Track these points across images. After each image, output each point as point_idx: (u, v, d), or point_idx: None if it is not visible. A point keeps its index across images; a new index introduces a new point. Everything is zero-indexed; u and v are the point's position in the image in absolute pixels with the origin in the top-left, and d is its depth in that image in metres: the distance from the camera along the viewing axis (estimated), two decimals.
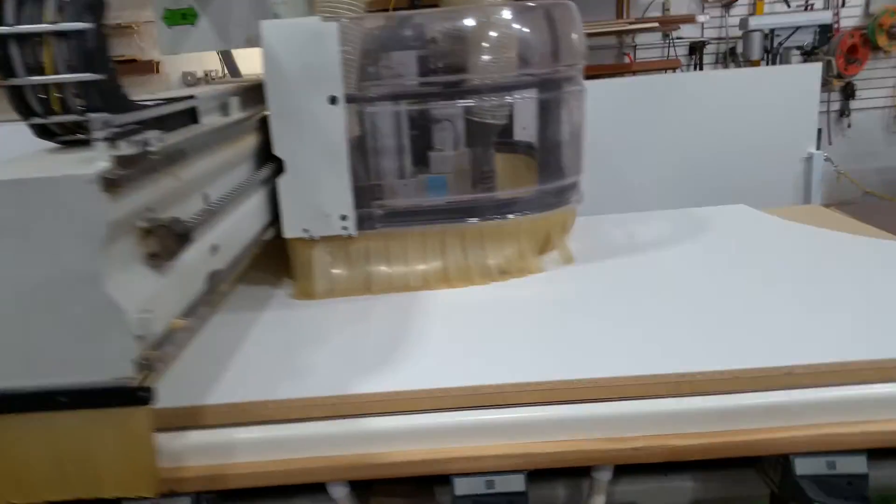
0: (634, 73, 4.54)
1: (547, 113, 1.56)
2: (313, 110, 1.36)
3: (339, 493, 1.09)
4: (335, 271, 1.47)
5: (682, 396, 1.05)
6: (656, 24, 4.47)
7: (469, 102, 1.47)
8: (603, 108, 3.51)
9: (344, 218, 1.43)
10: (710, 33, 5.01)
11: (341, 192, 1.41)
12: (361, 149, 1.47)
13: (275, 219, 1.46)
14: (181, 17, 1.57)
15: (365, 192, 1.47)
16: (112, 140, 0.83)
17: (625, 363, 1.09)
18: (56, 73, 0.85)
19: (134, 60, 4.55)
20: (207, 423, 1.05)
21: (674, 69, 4.66)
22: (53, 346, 0.84)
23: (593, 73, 4.38)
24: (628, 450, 1.01)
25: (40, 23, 0.83)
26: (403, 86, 1.46)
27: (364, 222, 1.46)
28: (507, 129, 1.58)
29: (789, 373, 1.04)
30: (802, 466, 1.01)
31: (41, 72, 0.85)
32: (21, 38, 0.85)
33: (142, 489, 0.92)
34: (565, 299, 1.41)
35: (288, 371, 1.16)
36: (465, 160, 1.52)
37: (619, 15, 4.73)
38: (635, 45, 4.74)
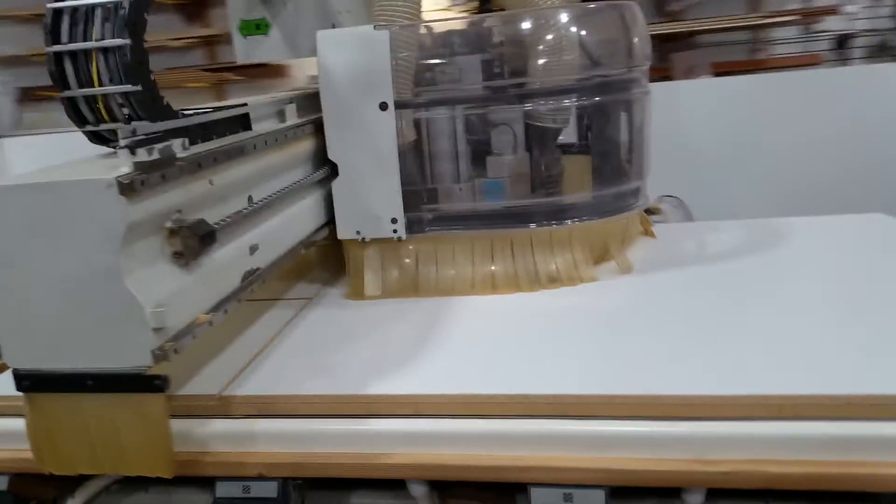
0: (769, 69, 4.28)
1: (605, 117, 1.54)
2: (365, 116, 1.40)
3: (419, 491, 1.10)
4: (385, 273, 1.50)
5: (783, 420, 0.98)
6: (796, 17, 4.18)
7: (526, 106, 1.47)
8: (733, 105, 3.36)
9: (394, 221, 1.47)
10: (858, 25, 4.63)
11: (392, 195, 1.45)
12: (415, 153, 1.48)
13: (331, 220, 1.51)
14: (255, 28, 1.67)
15: (416, 196, 1.48)
16: (132, 148, 0.92)
17: (720, 380, 1.03)
18: (101, 85, 0.95)
19: (266, 65, 4.79)
20: (297, 413, 1.09)
21: (814, 65, 4.34)
22: (82, 334, 0.94)
23: (723, 69, 4.17)
24: (718, 473, 0.96)
25: (89, 40, 0.94)
26: (459, 91, 1.47)
27: (414, 226, 1.49)
28: (574, 132, 1.58)
29: None
30: None
31: (91, 84, 0.95)
32: (73, 54, 0.96)
33: (160, 470, 1.01)
34: (656, 309, 1.35)
35: (372, 369, 1.18)
36: (524, 165, 1.50)
37: (755, 7, 4.46)
38: (771, 40, 4.46)
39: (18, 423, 1.06)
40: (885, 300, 1.29)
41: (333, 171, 1.47)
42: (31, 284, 0.93)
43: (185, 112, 1.15)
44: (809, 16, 4.28)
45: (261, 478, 1.07)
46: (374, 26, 1.41)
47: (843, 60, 4.57)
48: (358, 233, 1.48)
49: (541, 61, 1.44)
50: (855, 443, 0.96)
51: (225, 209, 1.16)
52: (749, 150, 3.38)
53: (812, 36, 4.39)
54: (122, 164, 0.93)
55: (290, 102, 1.49)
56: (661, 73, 4.26)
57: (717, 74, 4.02)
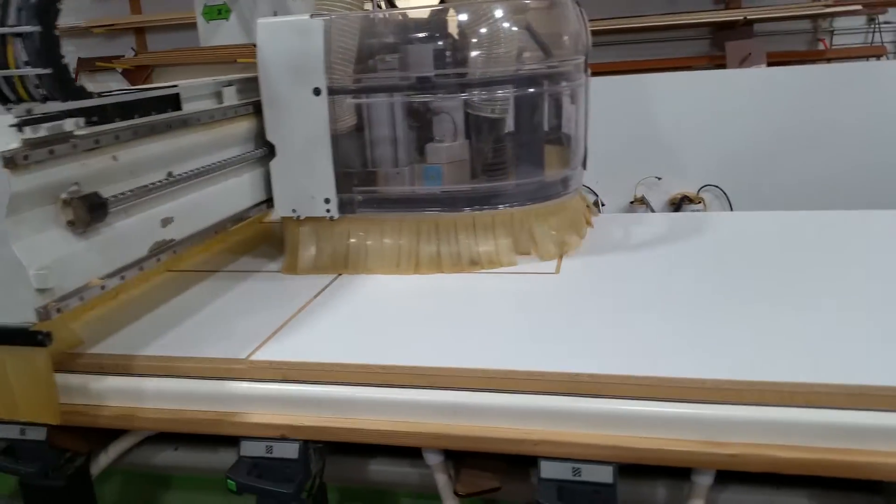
0: (829, 60, 4.16)
1: (533, 108, 1.57)
2: (299, 101, 1.46)
3: (434, 460, 1.14)
4: (318, 250, 1.57)
5: (794, 406, 0.98)
6: (859, 7, 4.04)
7: (462, 96, 1.51)
8: (786, 98, 3.29)
9: (327, 201, 1.52)
10: None
11: (325, 177, 1.51)
12: (351, 137, 1.53)
13: (271, 197, 1.59)
14: (217, 13, 1.76)
15: (349, 178, 1.53)
16: (20, 126, 1.02)
17: (733, 365, 1.04)
18: (16, 67, 1.04)
19: None
20: (322, 380, 1.14)
21: (877, 57, 4.20)
22: None
23: (780, 59, 4.08)
24: (724, 455, 0.97)
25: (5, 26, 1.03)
26: (397, 79, 1.51)
27: (346, 206, 1.54)
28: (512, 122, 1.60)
29: None
30: None
31: (6, 67, 1.05)
32: None
33: (47, 417, 1.13)
34: (674, 294, 1.35)
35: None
36: (462, 152, 1.55)
37: None
38: (833, 31, 4.32)
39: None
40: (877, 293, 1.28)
41: (272, 151, 1.53)
42: None
43: (104, 94, 1.26)
44: (873, 6, 4.14)
45: (283, 439, 1.12)
46: (311, 15, 1.46)
47: None
48: (294, 211, 1.55)
49: (475, 53, 1.48)
50: (865, 432, 0.96)
51: (135, 183, 1.24)
52: (798, 142, 3.30)
53: (875, 27, 4.24)
54: (13, 141, 1.03)
55: (230, 85, 1.58)
56: (715, 61, 4.18)
57: (773, 64, 3.92)
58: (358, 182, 1.55)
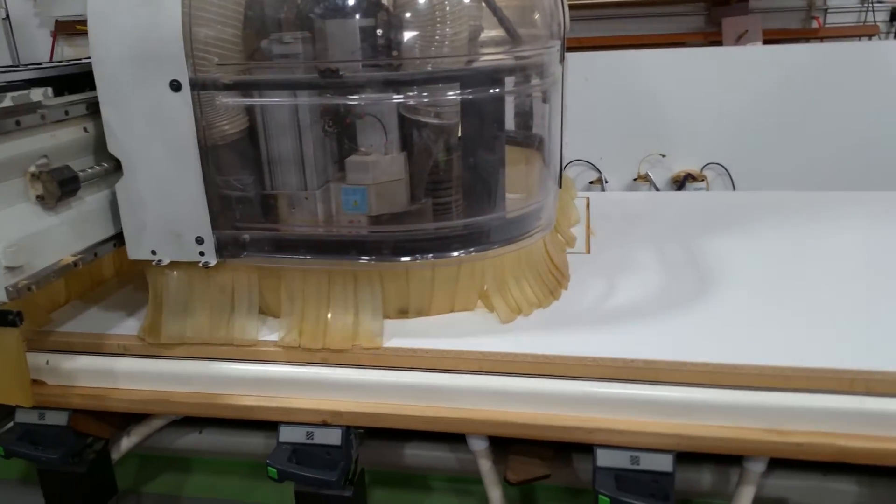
0: (822, 39, 4.15)
1: (492, 116, 1.12)
2: (150, 99, 1.04)
3: (479, 446, 1.11)
4: (191, 310, 1.15)
5: (856, 395, 0.97)
6: None
7: (395, 98, 1.07)
8: (782, 75, 3.28)
9: (199, 241, 1.10)
10: None
11: (194, 206, 1.08)
12: (232, 149, 1.09)
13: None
14: None
15: (229, 208, 1.10)
16: None
17: (794, 352, 1.02)
18: None
19: None
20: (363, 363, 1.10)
21: (870, 36, 4.20)
22: None
23: (774, 36, 4.06)
24: (790, 444, 0.95)
25: None
26: (297, 69, 1.07)
27: (226, 248, 1.11)
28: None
29: None
30: None
31: None
32: None
33: (18, 399, 1.08)
34: (727, 281, 1.33)
35: None
36: (395, 168, 1.09)
37: None
38: (826, 9, 4.31)
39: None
40: None
41: (118, 167, 1.11)
42: None
43: (61, 63, 1.17)
44: None
45: (325, 425, 1.09)
46: None
47: None
48: (153, 253, 1.12)
49: (412, 34, 1.03)
50: None
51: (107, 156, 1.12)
52: (796, 120, 3.31)
53: (868, 6, 4.23)
54: None
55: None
56: (710, 37, 4.16)
57: (767, 42, 3.91)
58: (244, 214, 1.11)
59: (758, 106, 3.29)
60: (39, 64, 1.24)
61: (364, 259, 1.10)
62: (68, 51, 4.93)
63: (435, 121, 1.08)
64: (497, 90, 1.11)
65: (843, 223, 1.60)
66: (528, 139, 1.22)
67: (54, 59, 4.69)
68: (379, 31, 1.02)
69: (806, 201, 1.77)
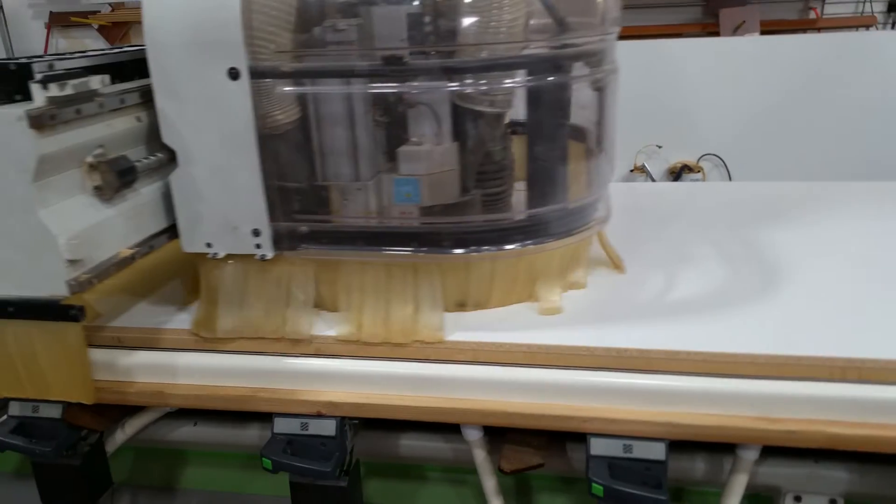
0: (820, 29, 4.15)
1: (557, 106, 1.10)
2: (208, 87, 1.02)
3: (473, 436, 1.12)
4: (246, 304, 1.13)
5: (848, 382, 0.97)
6: None
7: (451, 85, 1.04)
8: (779, 66, 3.28)
9: (256, 233, 1.09)
10: None
11: (251, 198, 1.06)
12: (291, 140, 1.07)
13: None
14: None
15: (288, 200, 1.09)
16: (44, 83, 0.93)
17: (785, 341, 1.02)
18: None
19: None
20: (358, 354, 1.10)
21: (867, 27, 4.20)
22: (3, 262, 0.98)
23: (772, 27, 4.05)
24: (782, 432, 0.96)
25: None
26: (352, 56, 1.04)
27: (283, 241, 1.10)
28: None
29: None
30: None
31: None
32: None
33: (79, 395, 1.07)
34: (722, 269, 1.33)
35: None
36: (448, 159, 1.07)
37: None
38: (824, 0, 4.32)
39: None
40: None
41: (173, 158, 1.08)
42: None
43: (113, 50, 1.15)
44: None
45: (320, 416, 1.09)
46: None
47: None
48: (209, 246, 1.11)
49: (472, 20, 1.01)
50: None
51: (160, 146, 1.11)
52: (794, 111, 3.31)
53: None
54: (36, 99, 0.94)
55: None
56: (708, 28, 4.15)
57: (765, 32, 3.91)
58: (301, 205, 1.10)
59: (755, 97, 3.29)
60: (84, 52, 1.21)
61: (426, 251, 1.08)
62: (63, 43, 4.92)
63: (490, 109, 1.07)
64: (560, 77, 1.09)
65: (839, 213, 1.60)
66: (588, 129, 1.20)
67: (49, 52, 4.68)
68: (442, 17, 1.01)
69: (806, 192, 1.77)
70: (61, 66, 1.02)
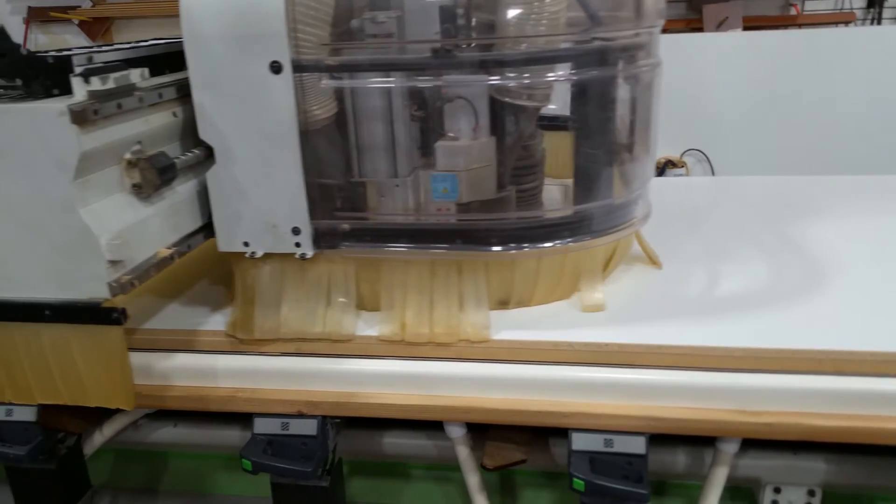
0: (801, 25, 4.18)
1: (600, 100, 1.09)
2: (249, 82, 0.99)
3: (456, 433, 1.11)
4: (284, 304, 1.11)
5: (825, 374, 0.98)
6: None
7: (492, 79, 1.02)
8: (761, 62, 3.30)
9: (296, 232, 1.06)
10: None
11: (291, 195, 1.04)
12: (330, 136, 1.06)
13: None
14: None
15: (329, 197, 1.07)
16: (86, 76, 0.88)
17: (764, 334, 1.03)
18: None
19: None
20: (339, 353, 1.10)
21: (847, 23, 4.23)
22: (38, 264, 0.93)
23: (753, 23, 4.08)
24: (760, 424, 0.96)
25: None
26: (397, 49, 1.03)
27: (324, 239, 1.08)
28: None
29: None
30: None
31: None
32: None
33: (120, 401, 1.01)
34: (695, 264, 1.33)
35: None
36: (486, 154, 1.06)
37: None
38: None
39: None
40: None
41: (210, 154, 1.06)
42: None
43: (147, 43, 1.11)
44: None
45: (300, 415, 1.08)
46: None
47: (875, 20, 4.46)
48: (246, 245, 1.09)
49: (514, 13, 1.00)
50: (890, 398, 0.96)
51: (195, 142, 1.09)
52: (775, 106, 3.33)
53: None
54: (77, 93, 0.89)
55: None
56: (692, 24, 4.17)
57: (748, 28, 3.93)
58: (343, 203, 1.09)
59: (737, 92, 3.31)
60: (118, 44, 1.19)
61: (471, 248, 1.07)
62: (43, 38, 4.86)
63: (529, 103, 1.06)
64: (604, 71, 1.07)
65: (827, 208, 1.61)
66: (632, 123, 1.18)
67: (28, 48, 4.62)
68: (487, 10, 1.00)
69: (784, 185, 1.78)
70: (99, 59, 0.97)
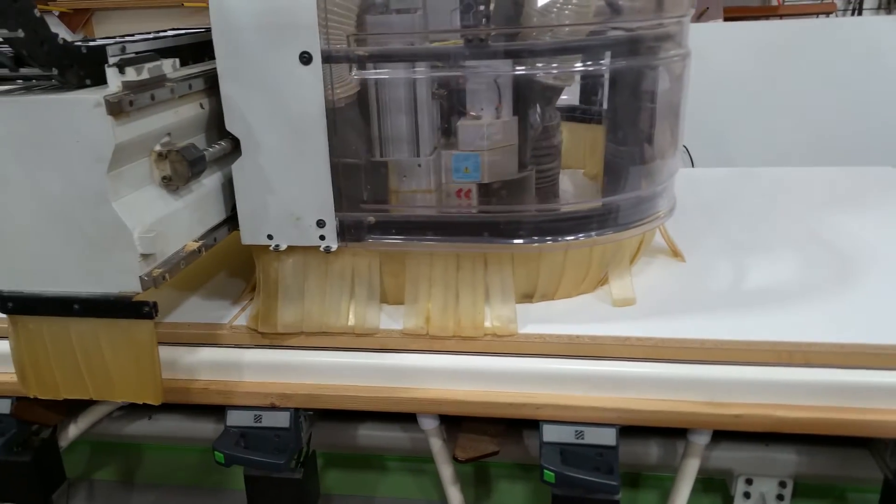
0: (781, 16, 4.20)
1: (626, 90, 1.10)
2: (279, 73, 0.99)
3: (430, 425, 1.12)
4: (308, 297, 1.10)
5: (794, 366, 0.99)
6: None
7: (517, 71, 1.03)
8: (741, 53, 3.31)
9: (321, 224, 1.06)
10: None
11: (318, 187, 1.04)
12: (357, 127, 1.05)
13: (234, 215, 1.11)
14: None
15: (355, 189, 1.07)
16: (121, 67, 0.87)
17: (733, 327, 1.04)
18: None
19: None
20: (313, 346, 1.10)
21: (827, 14, 4.26)
22: (69, 257, 0.92)
23: (735, 14, 4.09)
24: (729, 416, 0.97)
25: None
26: (423, 41, 1.03)
27: (350, 231, 1.07)
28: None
29: None
30: None
31: None
32: None
33: (148, 397, 1.00)
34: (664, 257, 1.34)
35: None
36: (508, 134, 1.05)
37: None
38: None
39: None
40: (891, 254, 1.30)
41: (236, 146, 1.05)
42: (15, 205, 0.90)
43: (173, 32, 1.09)
44: None
45: (273, 407, 1.08)
46: None
47: (856, 10, 4.49)
48: (270, 238, 1.08)
49: (540, 3, 1.01)
50: (859, 390, 0.97)
51: (219, 135, 1.09)
52: (755, 98, 3.34)
53: None
54: (112, 84, 0.88)
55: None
56: None
57: (728, 19, 3.94)
58: (369, 195, 1.08)
59: (718, 83, 3.32)
60: (146, 34, 1.16)
61: (498, 241, 1.06)
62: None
63: (553, 82, 1.06)
64: (634, 61, 1.07)
65: (784, 198, 1.62)
66: (661, 114, 1.16)
67: None
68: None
69: (745, 176, 1.79)
70: (131, 48, 0.96)
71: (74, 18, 4.74)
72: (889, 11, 4.63)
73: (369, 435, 1.26)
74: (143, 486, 1.44)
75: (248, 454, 1.06)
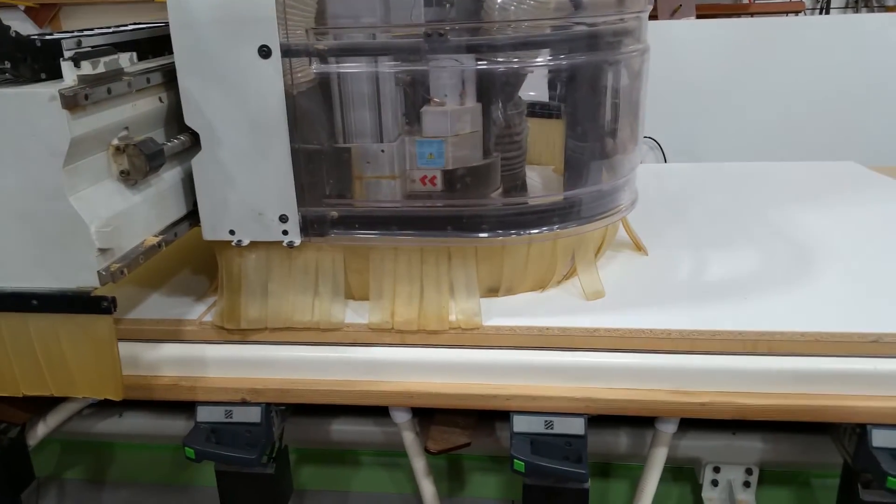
0: (752, 14, 4.25)
1: (585, 85, 1.11)
2: (237, 66, 0.97)
3: (402, 418, 1.12)
4: (271, 293, 1.10)
5: (758, 355, 1.01)
6: None
7: (480, 65, 1.04)
8: (713, 50, 3.35)
9: (283, 219, 1.05)
10: None
11: (279, 182, 1.03)
12: (316, 121, 1.04)
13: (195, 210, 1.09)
14: None
15: (317, 183, 1.06)
16: (76, 60, 0.87)
17: (699, 317, 1.05)
18: None
19: None
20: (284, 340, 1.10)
21: (796, 12, 4.32)
22: (25, 253, 0.91)
23: (707, 12, 4.14)
24: (695, 404, 0.99)
25: None
26: (383, 34, 1.03)
27: (313, 226, 1.07)
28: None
29: (877, 340, 0.98)
30: (880, 438, 0.96)
31: None
32: None
33: (109, 392, 0.99)
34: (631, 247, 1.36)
35: None
36: (472, 120, 1.06)
37: None
38: None
39: None
40: (855, 245, 1.33)
41: (196, 141, 1.04)
42: None
43: (131, 26, 1.08)
44: None
45: (244, 403, 1.08)
46: None
47: (823, 9, 4.57)
48: (232, 233, 1.07)
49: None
50: (819, 377, 0.99)
51: (179, 129, 1.08)
52: (726, 94, 3.39)
53: None
54: (67, 77, 0.87)
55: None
56: None
57: (701, 17, 3.99)
58: (331, 188, 1.06)
59: (690, 80, 3.36)
60: (103, 28, 1.14)
61: (461, 235, 1.06)
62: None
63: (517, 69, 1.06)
64: (592, 56, 1.07)
65: (753, 192, 1.65)
66: (621, 108, 1.17)
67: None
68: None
69: (717, 171, 1.82)
70: (88, 42, 0.95)
71: (41, 13, 4.66)
72: (856, 10, 4.71)
73: (343, 430, 1.26)
74: (114, 484, 1.43)
75: (218, 449, 1.06)
